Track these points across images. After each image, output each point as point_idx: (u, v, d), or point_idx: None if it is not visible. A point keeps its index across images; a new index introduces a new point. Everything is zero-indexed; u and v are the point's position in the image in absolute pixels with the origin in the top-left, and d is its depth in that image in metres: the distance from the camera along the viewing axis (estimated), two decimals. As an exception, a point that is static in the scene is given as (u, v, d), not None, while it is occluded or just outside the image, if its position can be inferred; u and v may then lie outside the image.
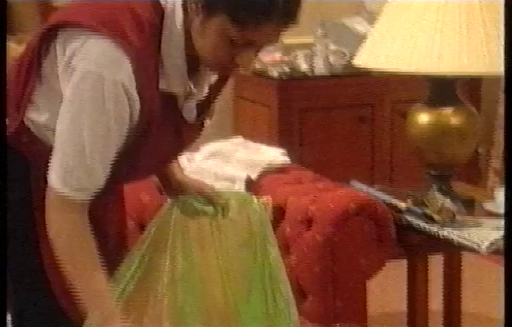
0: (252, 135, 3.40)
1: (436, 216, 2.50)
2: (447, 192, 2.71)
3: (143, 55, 1.69)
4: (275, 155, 2.93)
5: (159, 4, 1.74)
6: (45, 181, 1.73)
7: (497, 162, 4.09)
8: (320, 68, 4.04)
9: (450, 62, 2.53)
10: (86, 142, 1.67)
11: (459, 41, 2.53)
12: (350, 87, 4.11)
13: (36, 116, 1.79)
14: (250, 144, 3.00)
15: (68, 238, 1.71)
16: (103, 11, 1.72)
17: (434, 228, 2.49)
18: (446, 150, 2.74)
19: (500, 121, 4.02)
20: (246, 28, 1.65)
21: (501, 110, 4.00)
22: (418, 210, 2.56)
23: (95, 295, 1.72)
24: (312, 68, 4.11)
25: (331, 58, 4.09)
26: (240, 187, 2.72)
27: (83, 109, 1.67)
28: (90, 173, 1.70)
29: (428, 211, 2.53)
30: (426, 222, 2.52)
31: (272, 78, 4.04)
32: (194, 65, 1.78)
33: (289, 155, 2.97)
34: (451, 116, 2.73)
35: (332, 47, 4.12)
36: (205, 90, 1.87)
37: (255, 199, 2.06)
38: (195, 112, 1.85)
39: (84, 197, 1.71)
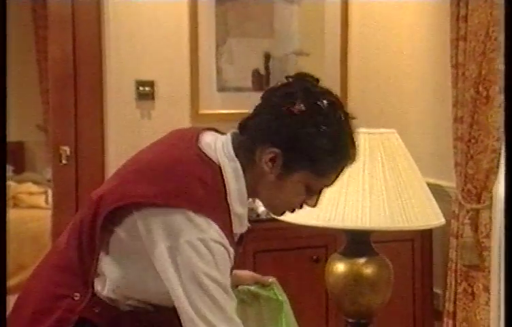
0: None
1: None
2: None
3: (219, 212, 1.85)
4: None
5: (213, 162, 1.89)
6: None
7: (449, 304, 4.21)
8: (275, 211, 4.20)
9: (351, 217, 2.73)
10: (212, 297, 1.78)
11: (362, 199, 2.74)
12: (304, 229, 4.27)
13: (101, 286, 1.91)
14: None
15: None
16: (178, 187, 1.83)
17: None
18: (360, 298, 2.90)
19: (451, 264, 4.17)
20: (328, 177, 1.89)
21: (452, 255, 4.15)
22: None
23: None
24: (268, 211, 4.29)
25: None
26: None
27: (196, 274, 1.77)
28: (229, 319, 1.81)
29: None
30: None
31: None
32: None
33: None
34: (363, 266, 2.89)
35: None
36: None
37: None
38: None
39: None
